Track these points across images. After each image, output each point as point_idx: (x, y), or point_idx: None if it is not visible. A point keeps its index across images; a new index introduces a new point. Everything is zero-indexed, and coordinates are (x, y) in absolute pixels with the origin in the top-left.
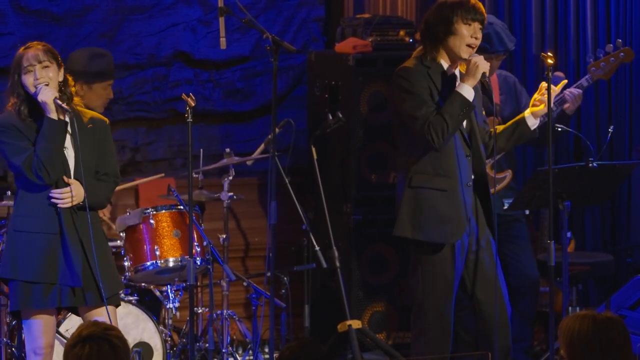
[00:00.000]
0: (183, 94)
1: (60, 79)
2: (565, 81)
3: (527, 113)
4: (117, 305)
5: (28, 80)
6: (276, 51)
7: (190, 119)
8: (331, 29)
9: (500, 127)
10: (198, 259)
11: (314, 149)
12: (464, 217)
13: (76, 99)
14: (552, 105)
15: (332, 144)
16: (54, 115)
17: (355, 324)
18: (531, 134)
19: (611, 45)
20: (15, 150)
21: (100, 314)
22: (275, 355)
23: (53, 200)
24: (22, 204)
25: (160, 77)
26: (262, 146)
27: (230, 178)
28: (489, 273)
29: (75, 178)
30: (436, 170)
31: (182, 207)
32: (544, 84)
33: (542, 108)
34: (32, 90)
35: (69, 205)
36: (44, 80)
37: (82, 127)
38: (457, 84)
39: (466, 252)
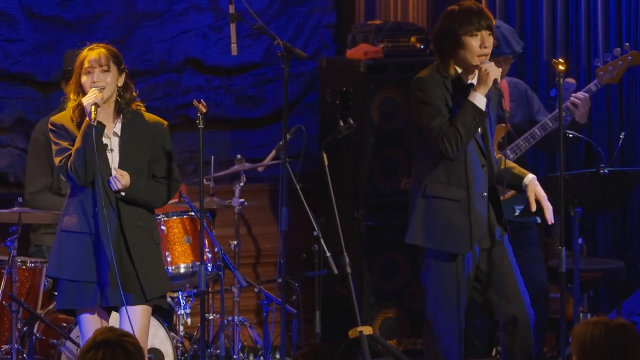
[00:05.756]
0: (194, 100)
1: (120, 84)
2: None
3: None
4: (165, 307)
5: (86, 81)
6: (287, 57)
7: (201, 125)
8: (342, 36)
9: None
10: (209, 265)
11: (325, 155)
12: (477, 227)
13: (139, 103)
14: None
15: (344, 151)
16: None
17: (367, 330)
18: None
19: (619, 49)
20: (59, 151)
21: (136, 314)
22: None
23: (111, 182)
24: (69, 204)
25: (171, 84)
26: (273, 152)
27: (242, 184)
28: (505, 275)
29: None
30: (450, 180)
31: (193, 213)
32: None
33: None
34: (87, 91)
35: (120, 188)
36: (101, 84)
37: (134, 129)
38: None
39: (477, 261)
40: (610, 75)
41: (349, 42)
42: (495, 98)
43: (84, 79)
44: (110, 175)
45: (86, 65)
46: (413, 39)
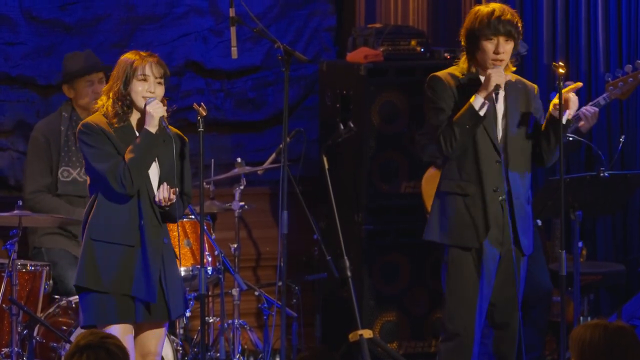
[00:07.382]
0: (194, 104)
1: None
2: (579, 84)
3: (551, 109)
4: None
5: (140, 87)
6: (288, 61)
7: (201, 129)
8: (343, 39)
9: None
10: (209, 268)
11: (325, 159)
12: (489, 222)
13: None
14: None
15: (344, 154)
16: (153, 129)
17: (367, 333)
18: (567, 124)
19: (630, 65)
20: (101, 155)
21: (156, 332)
22: None
23: (158, 200)
24: (101, 212)
25: (171, 87)
26: (273, 156)
27: (242, 188)
28: (506, 280)
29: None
30: (461, 175)
31: (193, 217)
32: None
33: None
34: (139, 98)
35: (172, 198)
36: (154, 96)
37: (167, 144)
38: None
39: (498, 258)
40: (620, 91)
41: (350, 46)
42: (524, 96)
43: (136, 84)
44: (151, 186)
45: (145, 72)
46: (413, 43)
